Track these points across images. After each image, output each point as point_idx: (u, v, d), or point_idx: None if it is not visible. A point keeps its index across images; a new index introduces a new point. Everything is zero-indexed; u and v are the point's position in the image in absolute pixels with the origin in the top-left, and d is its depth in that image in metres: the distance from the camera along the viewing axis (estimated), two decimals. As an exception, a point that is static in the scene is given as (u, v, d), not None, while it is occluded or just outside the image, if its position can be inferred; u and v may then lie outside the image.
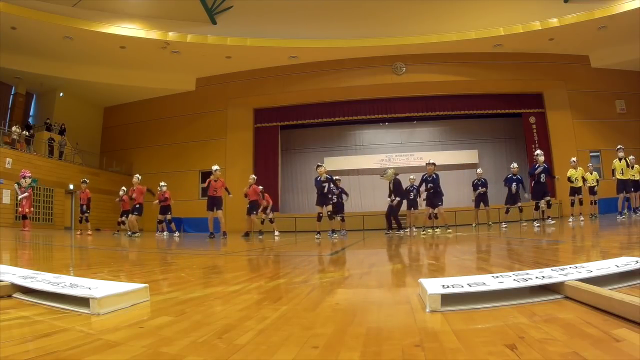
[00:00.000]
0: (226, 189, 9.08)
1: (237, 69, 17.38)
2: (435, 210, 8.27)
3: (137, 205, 10.63)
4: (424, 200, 8.84)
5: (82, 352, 0.80)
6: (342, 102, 17.67)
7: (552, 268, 1.28)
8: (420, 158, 18.70)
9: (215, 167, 9.00)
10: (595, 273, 1.20)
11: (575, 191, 10.54)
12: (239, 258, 3.70)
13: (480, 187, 10.49)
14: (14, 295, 1.35)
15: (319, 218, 8.07)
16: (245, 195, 10.56)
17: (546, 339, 0.80)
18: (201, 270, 2.64)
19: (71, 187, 15.95)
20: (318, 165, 8.17)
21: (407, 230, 9.31)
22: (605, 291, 1.00)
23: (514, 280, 1.17)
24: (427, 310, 1.08)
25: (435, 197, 8.21)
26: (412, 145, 19.23)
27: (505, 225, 9.50)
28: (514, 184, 9.71)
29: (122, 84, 17.37)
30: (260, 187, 10.94)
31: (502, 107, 17.32)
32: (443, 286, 1.13)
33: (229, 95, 17.74)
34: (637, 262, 1.26)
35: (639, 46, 14.53)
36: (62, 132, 17.18)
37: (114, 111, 19.84)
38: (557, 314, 0.99)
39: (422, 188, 8.51)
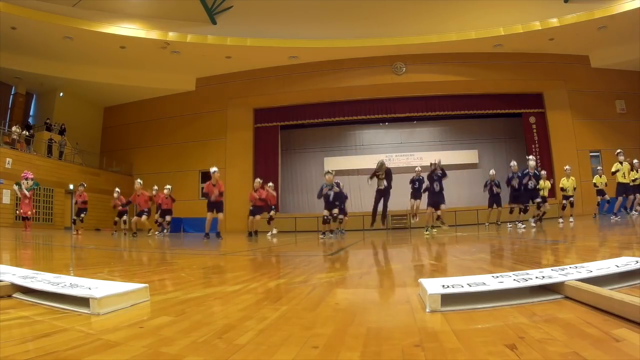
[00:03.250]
0: (220, 193, 8.47)
1: (237, 69, 17.38)
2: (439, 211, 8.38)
3: (146, 210, 10.33)
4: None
5: (82, 352, 0.80)
6: (342, 102, 17.67)
7: (552, 268, 1.28)
8: (421, 158, 18.69)
9: (213, 169, 8.45)
10: (595, 273, 1.20)
11: (565, 197, 10.56)
12: (239, 258, 3.70)
13: (495, 188, 10.47)
14: (14, 295, 1.35)
15: (326, 220, 8.11)
16: (261, 199, 10.35)
17: (546, 339, 0.80)
18: (201, 270, 2.64)
19: (71, 187, 15.95)
20: (327, 172, 8.23)
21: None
22: (605, 291, 1.00)
23: (514, 280, 1.17)
24: (427, 310, 1.08)
25: (440, 195, 8.36)
26: (412, 145, 19.23)
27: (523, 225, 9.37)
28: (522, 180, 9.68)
29: (122, 84, 17.37)
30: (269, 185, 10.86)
31: (502, 107, 17.33)
32: (443, 286, 1.13)
33: (229, 95, 17.75)
34: (637, 262, 1.26)
35: (639, 46, 14.53)
36: (62, 132, 17.17)
37: (114, 111, 19.85)
38: (557, 314, 0.99)
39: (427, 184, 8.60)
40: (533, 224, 8.39)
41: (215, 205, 8.42)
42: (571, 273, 1.20)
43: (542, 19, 14.63)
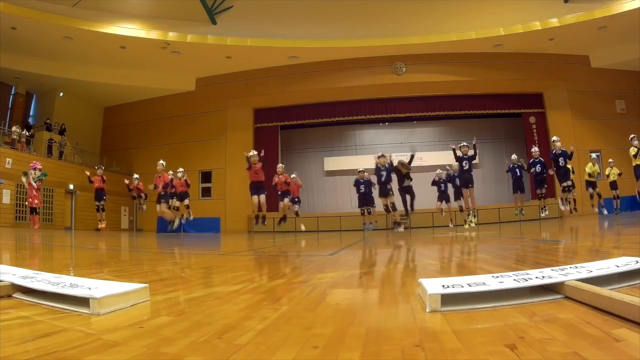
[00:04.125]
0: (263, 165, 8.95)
1: (237, 69, 17.38)
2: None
3: (178, 193, 10.27)
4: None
5: (82, 352, 0.80)
6: (342, 102, 17.67)
7: (552, 268, 1.28)
8: (421, 158, 18.68)
9: (251, 152, 9.00)
10: (595, 273, 1.19)
11: (591, 185, 10.68)
12: (239, 258, 3.70)
13: (518, 170, 10.49)
14: (14, 295, 1.35)
15: (388, 209, 8.25)
16: (275, 185, 10.54)
17: (546, 339, 0.80)
18: (201, 270, 2.64)
19: (71, 187, 15.96)
20: (382, 156, 8.64)
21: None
22: (605, 291, 1.00)
23: (514, 280, 1.16)
24: (427, 310, 1.08)
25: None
26: (412, 145, 19.21)
27: (524, 212, 9.52)
28: (537, 166, 9.78)
29: (122, 84, 17.37)
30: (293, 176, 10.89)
31: (502, 107, 17.33)
32: (443, 286, 1.13)
33: (229, 95, 17.75)
34: (637, 262, 1.26)
35: (639, 46, 14.53)
36: (62, 132, 17.18)
37: (114, 111, 19.85)
38: (557, 314, 0.99)
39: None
40: (562, 207, 8.33)
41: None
42: (571, 273, 1.20)
43: (542, 19, 14.63)
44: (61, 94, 17.90)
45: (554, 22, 14.50)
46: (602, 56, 16.02)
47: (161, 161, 10.48)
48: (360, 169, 9.11)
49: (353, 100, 17.57)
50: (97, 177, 11.32)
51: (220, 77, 17.84)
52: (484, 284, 1.14)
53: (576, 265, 1.29)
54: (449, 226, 10.99)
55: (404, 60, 16.63)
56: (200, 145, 17.92)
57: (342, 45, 15.93)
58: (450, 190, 11.00)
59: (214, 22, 15.77)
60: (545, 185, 9.92)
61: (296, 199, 11.02)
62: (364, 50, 16.12)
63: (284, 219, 9.87)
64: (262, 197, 8.81)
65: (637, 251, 2.52)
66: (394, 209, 8.50)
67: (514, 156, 10.82)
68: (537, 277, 1.18)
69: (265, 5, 15.74)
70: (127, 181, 11.56)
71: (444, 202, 11.09)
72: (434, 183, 11.03)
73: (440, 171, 11.21)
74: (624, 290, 1.14)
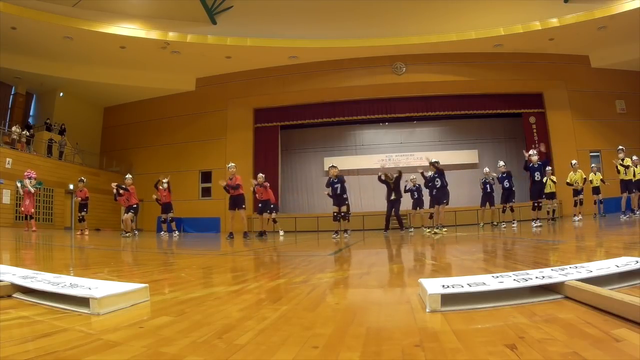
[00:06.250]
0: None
1: (237, 69, 17.38)
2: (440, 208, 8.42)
3: (135, 205, 10.16)
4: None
5: (82, 352, 0.80)
6: (342, 102, 17.67)
7: (552, 268, 1.28)
8: (420, 158, 18.72)
9: (229, 165, 8.53)
10: (595, 273, 1.20)
11: (576, 193, 10.73)
12: (239, 258, 3.70)
13: (489, 187, 10.55)
14: (14, 295, 1.35)
15: (335, 217, 8.20)
16: (255, 194, 10.04)
17: (546, 339, 0.80)
18: (201, 270, 2.64)
19: (71, 187, 15.95)
20: (332, 167, 8.35)
21: (411, 229, 9.47)
22: (605, 291, 1.00)
23: (514, 280, 1.17)
24: (427, 310, 1.08)
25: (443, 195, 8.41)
26: (412, 145, 19.22)
27: (504, 226, 9.55)
28: (505, 181, 9.89)
29: (122, 84, 17.36)
30: (267, 183, 10.56)
31: (502, 107, 17.32)
32: (443, 286, 1.13)
33: (229, 95, 17.74)
34: (637, 262, 1.26)
35: (639, 46, 14.53)
36: (62, 132, 17.18)
37: (114, 111, 19.85)
38: (557, 314, 0.99)
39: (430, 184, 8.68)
40: (534, 227, 8.33)
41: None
42: (571, 273, 1.20)
43: (542, 19, 14.63)
44: (61, 94, 17.89)
45: (554, 22, 14.50)
46: (602, 56, 16.02)
47: (129, 175, 10.52)
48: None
49: (353, 100, 17.57)
50: (77, 191, 11.31)
51: (220, 77, 17.84)
52: (484, 284, 1.14)
53: (576, 265, 1.29)
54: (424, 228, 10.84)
55: (404, 60, 16.63)
56: (200, 145, 17.92)
57: (342, 45, 15.92)
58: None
59: (214, 22, 15.77)
60: (513, 200, 9.91)
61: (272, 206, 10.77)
62: (364, 50, 16.11)
63: (264, 233, 9.56)
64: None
65: (637, 251, 2.52)
66: (345, 217, 8.51)
67: (486, 169, 10.85)
68: (537, 277, 1.18)
69: (265, 5, 15.74)
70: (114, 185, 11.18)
71: (418, 208, 10.89)
72: (407, 191, 10.69)
73: (414, 177, 10.96)
74: (624, 290, 1.14)
